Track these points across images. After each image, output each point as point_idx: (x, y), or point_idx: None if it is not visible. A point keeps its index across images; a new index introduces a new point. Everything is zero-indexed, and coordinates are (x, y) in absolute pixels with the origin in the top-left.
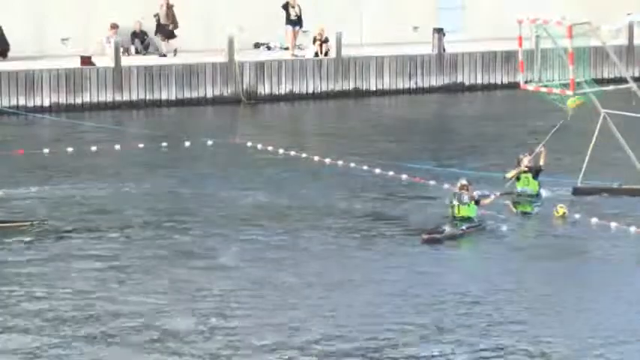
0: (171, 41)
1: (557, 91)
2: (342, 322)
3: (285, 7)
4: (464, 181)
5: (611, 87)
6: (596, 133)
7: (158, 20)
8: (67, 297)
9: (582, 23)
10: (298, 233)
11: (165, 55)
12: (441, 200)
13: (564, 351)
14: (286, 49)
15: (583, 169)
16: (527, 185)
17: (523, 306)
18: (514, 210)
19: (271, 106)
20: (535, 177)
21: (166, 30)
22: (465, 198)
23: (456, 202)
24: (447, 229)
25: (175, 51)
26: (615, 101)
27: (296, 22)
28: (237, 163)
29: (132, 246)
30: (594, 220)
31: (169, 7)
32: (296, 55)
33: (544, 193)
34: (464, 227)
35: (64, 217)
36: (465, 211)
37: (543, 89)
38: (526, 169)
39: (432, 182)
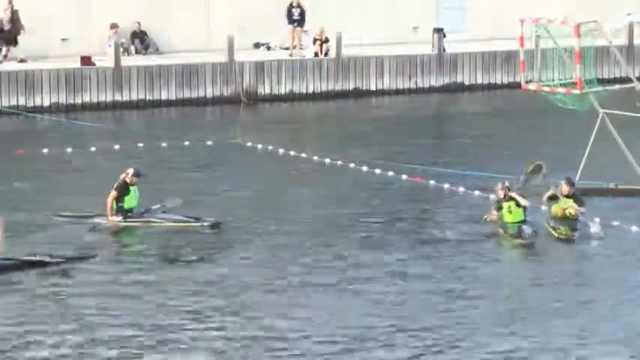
0: (14, 48)
1: (561, 90)
2: (345, 324)
3: (289, 8)
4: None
5: (615, 86)
6: (594, 133)
7: (1, 25)
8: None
9: (589, 22)
10: (298, 233)
11: (24, 61)
12: (441, 200)
13: (564, 351)
14: (287, 49)
15: (580, 170)
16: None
17: (525, 305)
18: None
19: (271, 106)
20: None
21: (9, 36)
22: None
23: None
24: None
25: (22, 60)
26: (618, 101)
27: (298, 21)
28: (237, 163)
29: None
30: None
31: (14, 12)
32: (302, 55)
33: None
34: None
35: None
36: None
37: (546, 89)
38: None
39: (432, 182)
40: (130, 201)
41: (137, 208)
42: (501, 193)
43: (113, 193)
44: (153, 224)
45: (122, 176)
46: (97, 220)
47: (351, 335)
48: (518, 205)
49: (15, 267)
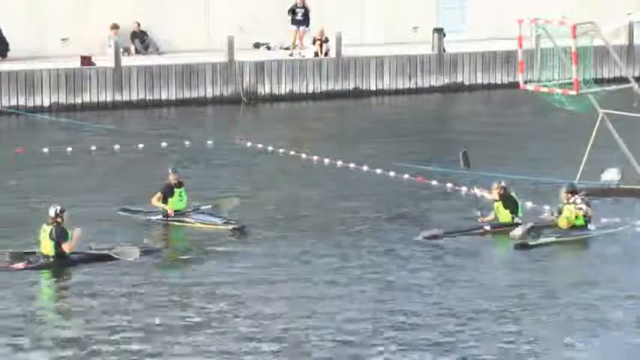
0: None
1: (559, 91)
2: (346, 323)
3: (292, 10)
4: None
5: (613, 87)
6: (594, 133)
7: None
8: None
9: (586, 23)
10: (298, 233)
11: None
12: (442, 200)
13: (565, 350)
14: (287, 49)
15: (580, 170)
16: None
17: (525, 304)
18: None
19: (271, 106)
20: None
21: None
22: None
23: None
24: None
25: None
26: (616, 101)
27: (302, 22)
28: (237, 163)
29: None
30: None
31: None
32: (302, 55)
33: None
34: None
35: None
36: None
37: (544, 89)
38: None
39: (434, 182)
40: (175, 203)
41: (185, 209)
42: (495, 194)
43: (157, 195)
44: (186, 224)
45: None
46: (151, 217)
47: (353, 334)
48: (505, 207)
49: (83, 260)
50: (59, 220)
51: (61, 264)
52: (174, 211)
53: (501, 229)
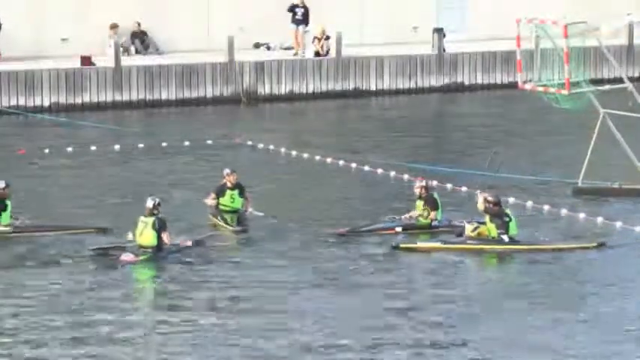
0: None
1: (553, 90)
2: (348, 324)
3: (292, 9)
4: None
5: (606, 87)
6: (596, 133)
7: None
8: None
9: (578, 23)
10: (299, 233)
11: None
12: (444, 200)
13: (562, 350)
14: (287, 49)
15: (583, 170)
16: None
17: (525, 304)
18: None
19: (271, 106)
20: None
21: None
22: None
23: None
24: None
25: None
26: (613, 101)
27: (301, 21)
28: (237, 163)
29: None
30: (600, 219)
31: None
32: (302, 55)
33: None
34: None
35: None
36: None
37: (540, 88)
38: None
39: (434, 182)
40: (225, 202)
41: (238, 209)
42: (417, 191)
43: (211, 195)
44: (218, 222)
45: None
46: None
47: (354, 333)
48: (424, 207)
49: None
50: (156, 211)
51: (161, 254)
52: (223, 210)
53: (413, 230)
